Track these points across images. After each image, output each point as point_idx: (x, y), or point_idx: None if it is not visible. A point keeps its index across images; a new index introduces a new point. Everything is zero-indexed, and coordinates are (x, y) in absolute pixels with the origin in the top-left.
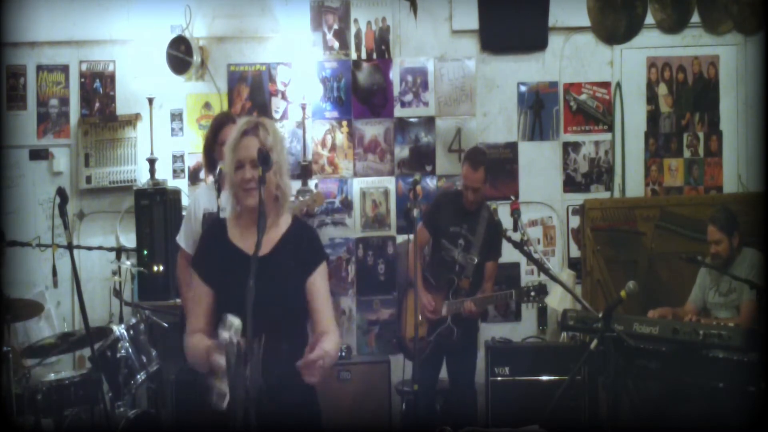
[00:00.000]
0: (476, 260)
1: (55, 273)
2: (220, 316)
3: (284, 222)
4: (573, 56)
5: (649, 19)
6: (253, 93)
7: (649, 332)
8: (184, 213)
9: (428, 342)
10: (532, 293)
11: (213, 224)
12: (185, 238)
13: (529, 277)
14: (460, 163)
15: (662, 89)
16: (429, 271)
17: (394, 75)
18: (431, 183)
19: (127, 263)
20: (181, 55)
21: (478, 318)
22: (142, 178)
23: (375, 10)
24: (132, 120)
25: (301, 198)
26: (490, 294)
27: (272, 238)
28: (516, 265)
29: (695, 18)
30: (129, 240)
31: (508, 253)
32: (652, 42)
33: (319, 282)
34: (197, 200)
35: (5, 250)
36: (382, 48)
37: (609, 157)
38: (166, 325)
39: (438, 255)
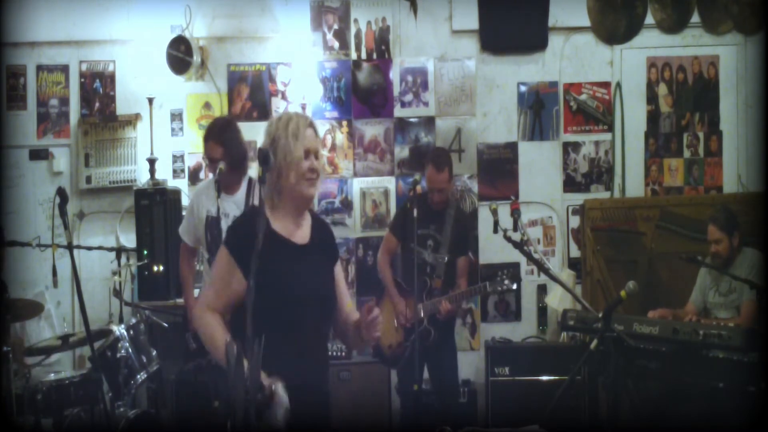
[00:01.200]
0: (446, 258)
1: (55, 273)
2: (242, 305)
3: (307, 215)
4: (573, 56)
5: (649, 19)
6: (253, 93)
7: (649, 332)
8: (184, 213)
9: (406, 347)
10: (506, 281)
11: (250, 212)
12: (187, 231)
13: (529, 277)
14: (424, 163)
15: (662, 89)
16: (401, 277)
17: (394, 75)
18: None
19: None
20: (181, 55)
21: (455, 318)
22: (142, 178)
23: (375, 10)
24: (132, 120)
25: None
26: (464, 289)
27: (306, 228)
28: (516, 265)
29: (695, 18)
30: (129, 240)
31: (508, 253)
32: (652, 42)
33: (338, 270)
34: (199, 196)
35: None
36: (382, 48)
37: (609, 157)
38: (166, 325)
39: (409, 259)
